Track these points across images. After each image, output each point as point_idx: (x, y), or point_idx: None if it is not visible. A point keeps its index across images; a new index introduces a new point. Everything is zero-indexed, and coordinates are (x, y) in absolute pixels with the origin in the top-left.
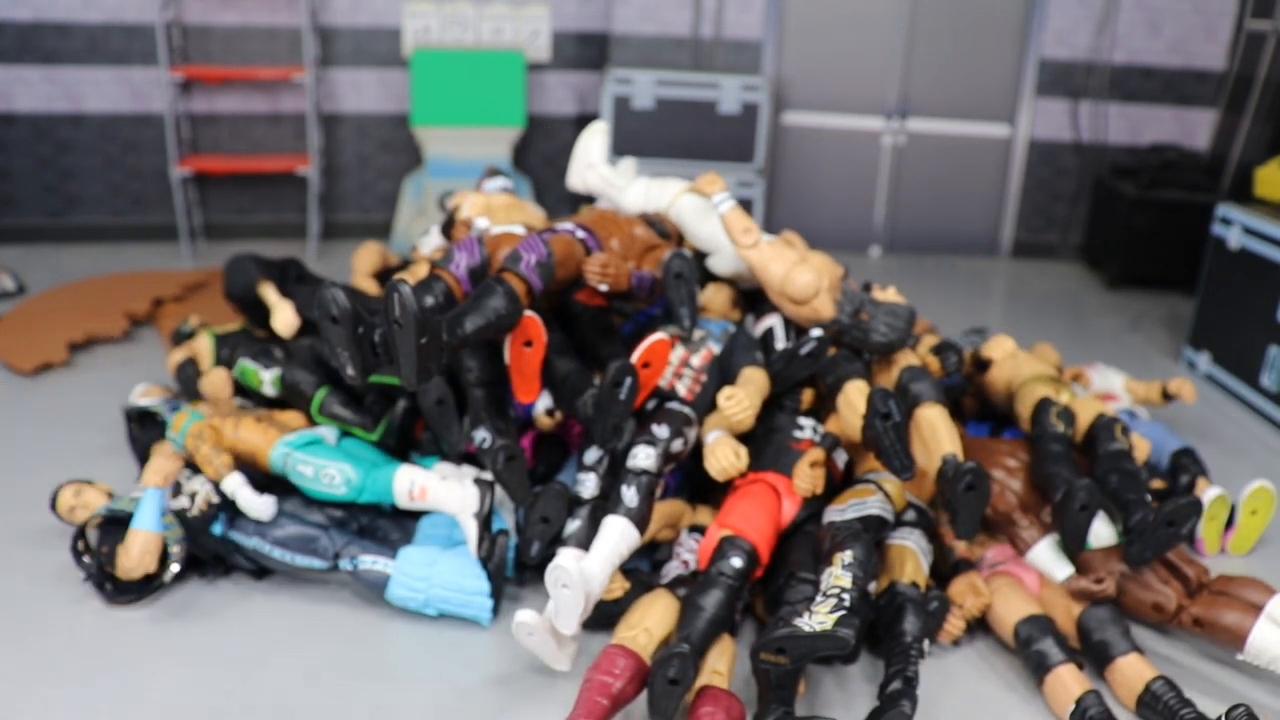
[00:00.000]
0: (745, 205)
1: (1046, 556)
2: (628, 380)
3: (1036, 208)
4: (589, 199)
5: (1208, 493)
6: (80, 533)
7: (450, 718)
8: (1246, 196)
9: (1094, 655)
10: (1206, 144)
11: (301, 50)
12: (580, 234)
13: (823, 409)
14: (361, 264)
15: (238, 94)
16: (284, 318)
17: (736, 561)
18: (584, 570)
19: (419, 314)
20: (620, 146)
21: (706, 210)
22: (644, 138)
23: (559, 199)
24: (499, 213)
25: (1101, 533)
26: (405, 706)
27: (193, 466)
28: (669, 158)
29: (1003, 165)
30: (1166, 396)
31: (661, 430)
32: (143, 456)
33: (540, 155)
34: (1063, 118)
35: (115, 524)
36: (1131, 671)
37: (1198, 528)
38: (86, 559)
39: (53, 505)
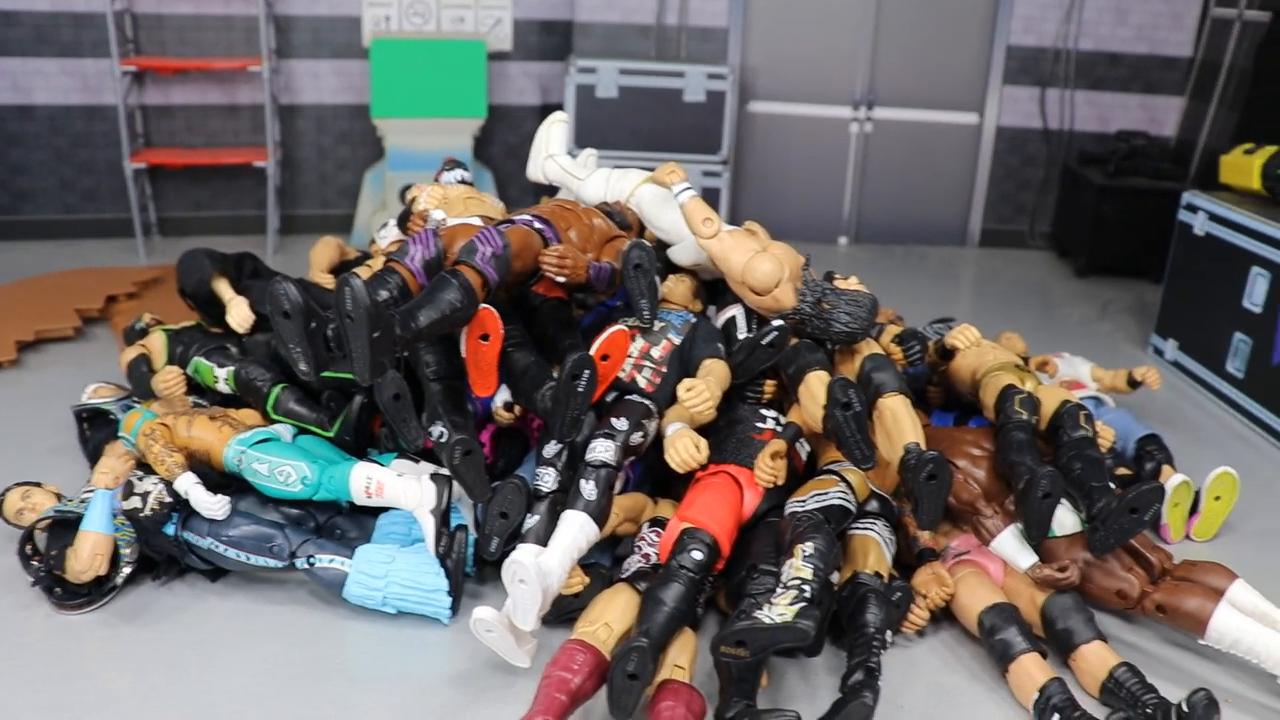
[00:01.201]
0: (711, 196)
1: (1010, 545)
2: (586, 373)
3: (1004, 196)
4: (550, 190)
5: (1172, 479)
6: (28, 536)
7: (410, 716)
8: (1213, 183)
9: (1058, 643)
10: (1173, 131)
11: (258, 40)
12: (538, 225)
13: (785, 400)
14: (319, 259)
15: (192, 86)
16: (239, 314)
17: (697, 554)
18: (541, 565)
19: (371, 308)
20: (584, 137)
21: (667, 200)
22: (608, 128)
23: (522, 191)
24: (456, 205)
25: (1065, 520)
26: (364, 705)
27: (145, 467)
28: (633, 148)
29: (971, 154)
30: (1133, 384)
31: (621, 423)
32: (94, 457)
33: (503, 146)
34: (1030, 105)
35: (64, 526)
36: (1095, 659)
37: (1162, 514)
38: (35, 563)
39: None
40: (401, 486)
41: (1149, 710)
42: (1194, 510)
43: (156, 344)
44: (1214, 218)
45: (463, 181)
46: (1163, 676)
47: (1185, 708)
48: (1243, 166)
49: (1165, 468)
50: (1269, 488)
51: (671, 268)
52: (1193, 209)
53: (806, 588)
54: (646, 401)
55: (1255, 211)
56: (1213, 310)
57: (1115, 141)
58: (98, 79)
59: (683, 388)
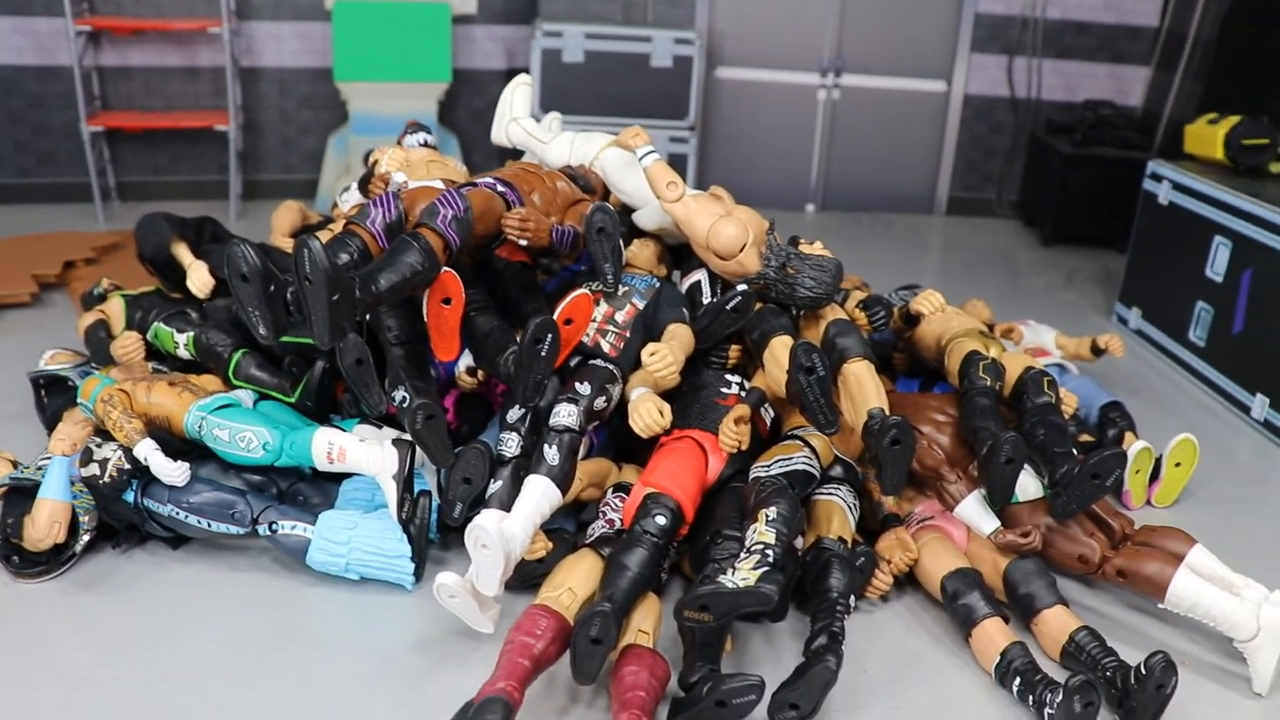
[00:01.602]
0: (678, 162)
1: (974, 511)
2: (548, 337)
3: (972, 164)
4: (515, 154)
5: (1133, 446)
6: None
7: (373, 682)
8: (1178, 153)
9: (1020, 608)
10: (1140, 101)
11: (218, 1)
12: (500, 188)
13: (749, 365)
14: (280, 223)
15: (151, 47)
16: (199, 278)
17: (660, 519)
18: (504, 530)
19: (329, 270)
20: (550, 101)
21: (631, 164)
22: (574, 93)
23: (488, 155)
24: (418, 168)
25: (1028, 486)
26: (328, 672)
27: (104, 433)
28: (600, 113)
29: (938, 121)
30: (1096, 351)
31: (584, 388)
32: (51, 424)
33: (468, 111)
34: (998, 74)
35: (22, 494)
36: (1056, 623)
37: (1124, 480)
38: None
39: None
40: (364, 452)
41: (1108, 673)
42: (1155, 477)
43: (115, 309)
44: (1178, 187)
45: (426, 144)
46: (1122, 640)
47: (1143, 670)
48: (1206, 136)
49: (1127, 434)
50: (1228, 455)
51: (636, 232)
52: (1157, 178)
53: (770, 552)
54: (610, 366)
55: (1218, 181)
56: (1176, 279)
57: (1082, 110)
58: (51, 39)
59: (646, 352)
